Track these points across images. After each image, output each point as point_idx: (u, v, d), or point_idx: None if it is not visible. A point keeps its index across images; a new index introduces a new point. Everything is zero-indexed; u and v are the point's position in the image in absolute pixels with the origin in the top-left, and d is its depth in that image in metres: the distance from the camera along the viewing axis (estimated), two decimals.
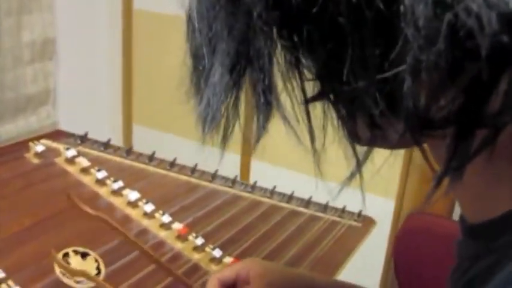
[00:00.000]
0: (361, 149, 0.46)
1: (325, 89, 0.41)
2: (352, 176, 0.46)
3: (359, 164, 0.45)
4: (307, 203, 1.34)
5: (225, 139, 0.46)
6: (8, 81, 2.01)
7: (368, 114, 0.39)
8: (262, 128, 0.44)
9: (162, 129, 2.38)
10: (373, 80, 0.36)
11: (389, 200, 1.95)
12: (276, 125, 0.45)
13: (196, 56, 0.43)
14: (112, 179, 1.12)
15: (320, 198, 1.35)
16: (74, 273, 0.90)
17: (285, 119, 0.43)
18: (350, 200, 1.38)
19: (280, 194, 1.34)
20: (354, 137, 0.43)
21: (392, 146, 0.46)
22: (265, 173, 2.02)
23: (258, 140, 0.45)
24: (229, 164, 1.72)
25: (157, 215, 1.07)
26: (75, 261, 0.94)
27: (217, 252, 1.04)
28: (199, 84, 0.43)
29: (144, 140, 2.43)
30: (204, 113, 0.43)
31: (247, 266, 0.79)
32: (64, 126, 2.09)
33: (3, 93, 1.99)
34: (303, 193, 1.36)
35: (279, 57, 0.41)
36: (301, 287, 0.79)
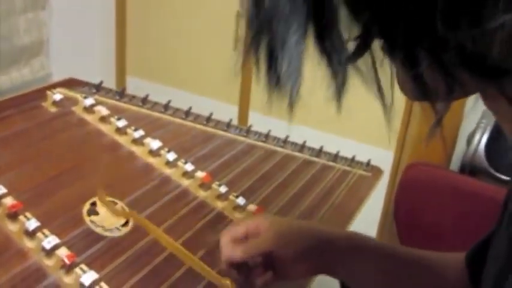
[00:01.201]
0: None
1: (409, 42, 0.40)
2: (431, 134, 0.47)
3: (440, 119, 0.46)
4: (319, 152, 1.35)
5: (292, 102, 0.45)
6: (2, 32, 1.96)
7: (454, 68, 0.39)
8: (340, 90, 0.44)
9: (155, 80, 2.36)
10: (466, 35, 0.37)
11: (388, 150, 1.97)
12: None
13: (269, 18, 0.41)
14: (132, 127, 1.11)
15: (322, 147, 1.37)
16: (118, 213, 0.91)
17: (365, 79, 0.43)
18: (346, 149, 1.41)
19: (292, 143, 1.34)
20: (428, 93, 0.43)
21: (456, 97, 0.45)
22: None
23: (339, 100, 0.44)
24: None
25: (179, 163, 1.07)
26: (102, 211, 0.94)
27: (241, 200, 1.04)
28: (274, 47, 0.41)
29: (137, 92, 2.41)
30: (286, 75, 0.42)
31: (257, 221, 0.81)
32: (57, 78, 2.05)
33: None
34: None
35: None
36: (308, 237, 0.80)
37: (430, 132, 0.47)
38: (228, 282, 0.74)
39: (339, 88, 0.44)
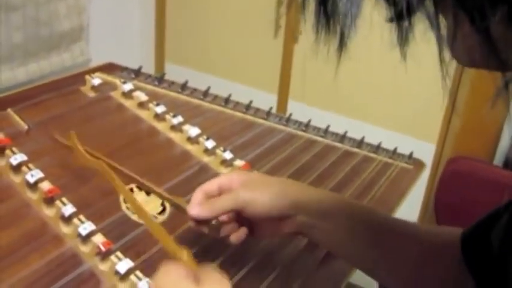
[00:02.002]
0: None
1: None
2: (497, 96, 0.43)
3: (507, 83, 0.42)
4: (360, 143, 1.31)
5: (342, 44, 0.43)
6: (42, 17, 1.96)
7: None
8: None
9: (194, 67, 2.34)
10: None
11: (430, 143, 1.92)
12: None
13: None
14: (171, 114, 1.09)
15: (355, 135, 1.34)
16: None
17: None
18: (387, 141, 1.37)
19: (333, 133, 1.31)
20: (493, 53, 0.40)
21: None
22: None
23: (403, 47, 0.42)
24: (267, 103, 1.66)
25: (218, 151, 1.05)
26: (139, 198, 0.92)
27: None
28: None
29: (176, 78, 2.40)
30: (344, 8, 0.39)
31: (229, 177, 0.78)
32: (96, 64, 2.05)
33: (38, 29, 1.95)
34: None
35: None
36: (278, 192, 0.76)
37: (496, 96, 0.44)
38: (184, 252, 0.67)
39: (404, 33, 0.42)
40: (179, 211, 0.81)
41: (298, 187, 0.79)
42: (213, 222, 0.77)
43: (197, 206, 0.75)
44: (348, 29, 0.40)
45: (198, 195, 0.76)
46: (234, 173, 0.81)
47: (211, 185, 0.77)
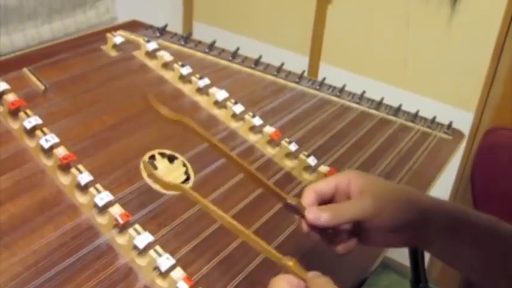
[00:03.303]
0: None
1: None
2: None
3: None
4: (397, 111, 1.24)
5: None
6: None
7: None
8: None
9: (222, 26, 2.26)
10: None
11: (468, 112, 1.83)
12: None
13: None
14: (197, 75, 1.02)
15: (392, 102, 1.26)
16: (165, 186, 0.80)
17: None
18: (423, 108, 1.29)
19: (369, 100, 1.23)
20: None
21: None
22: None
23: None
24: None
25: (247, 116, 0.98)
26: (162, 165, 0.87)
27: (311, 160, 0.95)
28: None
29: (204, 38, 2.32)
30: None
31: (346, 178, 0.68)
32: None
33: None
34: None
35: None
36: (408, 209, 0.68)
37: None
38: (290, 263, 0.61)
39: None
40: (288, 209, 0.68)
41: (423, 198, 0.71)
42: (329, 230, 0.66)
43: (317, 211, 0.64)
44: None
45: (310, 195, 0.66)
46: (350, 173, 0.69)
47: (325, 186, 0.67)
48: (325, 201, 0.67)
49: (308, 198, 0.66)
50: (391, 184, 0.73)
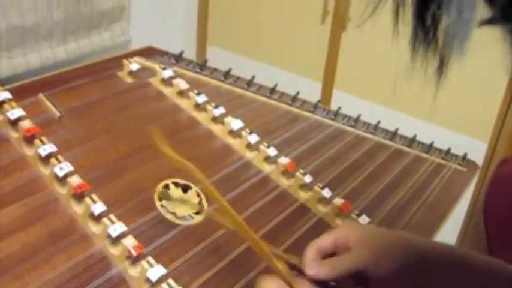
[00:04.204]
0: None
1: None
2: None
3: None
4: (411, 141, 1.23)
5: (443, 66, 0.36)
6: None
7: None
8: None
9: (237, 51, 2.27)
10: None
11: (481, 141, 1.81)
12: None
13: None
14: (213, 104, 1.01)
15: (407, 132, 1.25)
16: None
17: None
18: (432, 137, 1.28)
19: (383, 130, 1.23)
20: None
21: None
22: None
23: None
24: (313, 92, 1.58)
25: (262, 147, 0.97)
26: (176, 194, 0.86)
27: (326, 192, 0.94)
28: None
29: (217, 62, 2.33)
30: (453, 28, 0.32)
31: (344, 231, 0.70)
32: (136, 45, 1.99)
33: (78, 7, 1.90)
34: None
35: None
36: (402, 248, 0.68)
37: None
38: (281, 266, 0.65)
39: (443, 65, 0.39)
40: (292, 269, 0.70)
41: (421, 242, 0.72)
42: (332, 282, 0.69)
43: (316, 265, 0.67)
44: (451, 52, 0.34)
45: (311, 252, 0.68)
46: (348, 226, 0.72)
47: (325, 241, 0.69)
48: (327, 256, 0.69)
49: (309, 255, 0.68)
50: (388, 231, 0.74)
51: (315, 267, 0.66)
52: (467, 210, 1.91)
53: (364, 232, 0.70)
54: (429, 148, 1.24)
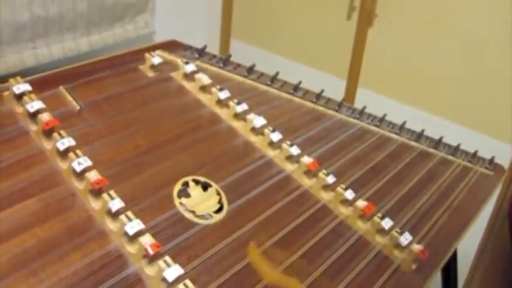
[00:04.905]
0: None
1: None
2: None
3: None
4: (437, 143, 1.20)
5: None
6: None
7: None
8: None
9: (261, 46, 2.24)
10: None
11: (509, 144, 1.77)
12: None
13: None
14: (235, 100, 0.99)
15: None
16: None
17: None
18: (465, 141, 1.25)
19: (409, 131, 1.20)
20: None
21: None
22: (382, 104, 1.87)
23: None
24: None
25: (284, 145, 0.95)
26: (195, 193, 0.84)
27: (349, 194, 0.92)
28: None
29: (240, 56, 2.31)
30: None
31: None
32: (159, 38, 1.98)
33: None
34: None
35: None
36: None
37: None
38: None
39: None
40: None
41: None
42: None
43: None
44: None
45: None
46: None
47: None
48: None
49: None
50: None
51: None
52: (492, 214, 1.87)
53: None
54: (455, 150, 1.21)
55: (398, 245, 0.89)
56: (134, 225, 0.71)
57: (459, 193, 1.09)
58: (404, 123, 1.19)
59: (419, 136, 1.19)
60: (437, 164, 1.15)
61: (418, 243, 0.90)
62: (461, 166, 1.18)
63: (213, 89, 1.00)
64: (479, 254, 1.60)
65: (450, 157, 1.19)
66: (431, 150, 1.18)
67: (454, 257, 1.16)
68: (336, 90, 1.25)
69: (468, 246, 1.27)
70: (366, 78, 1.95)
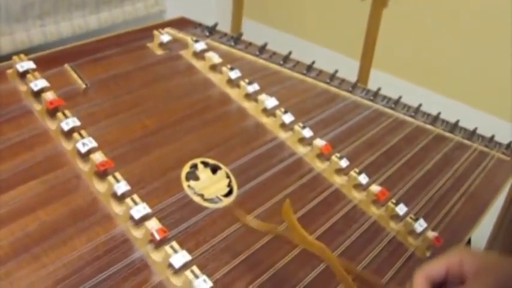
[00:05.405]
0: None
1: None
2: None
3: None
4: (453, 127, 1.16)
5: None
6: None
7: None
8: None
9: (273, 25, 2.21)
10: None
11: None
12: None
13: None
14: (246, 80, 0.96)
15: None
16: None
17: None
18: (482, 125, 1.21)
19: (424, 114, 1.16)
20: None
21: None
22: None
23: None
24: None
25: (296, 127, 0.92)
26: (204, 175, 0.81)
27: (363, 178, 0.89)
28: None
29: (253, 36, 2.27)
30: None
31: (458, 259, 0.62)
32: (170, 16, 1.94)
33: None
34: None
35: None
36: None
37: None
38: None
39: None
40: None
41: None
42: None
43: None
44: None
45: (422, 282, 0.62)
46: (461, 253, 0.64)
47: (436, 269, 0.63)
48: (437, 285, 0.63)
49: (421, 286, 0.61)
50: (509, 264, 0.65)
51: None
52: (505, 202, 1.83)
53: (482, 263, 0.62)
54: (472, 134, 1.18)
55: (412, 232, 0.86)
56: (140, 209, 0.69)
57: (475, 179, 1.06)
58: (419, 105, 1.16)
59: (435, 119, 1.16)
60: (453, 149, 1.12)
61: (433, 230, 0.88)
62: (478, 151, 1.14)
63: (224, 68, 0.97)
64: (490, 243, 1.57)
65: (466, 141, 1.15)
66: (447, 134, 1.14)
67: (468, 245, 1.13)
68: (349, 71, 1.22)
69: (481, 234, 1.24)
70: (380, 59, 1.92)
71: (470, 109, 1.75)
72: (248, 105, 0.95)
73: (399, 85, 1.86)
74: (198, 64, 1.00)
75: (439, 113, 1.17)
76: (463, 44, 1.70)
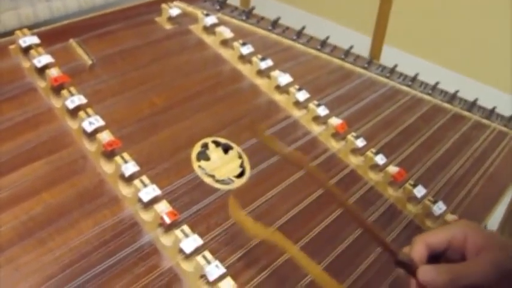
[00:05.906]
0: None
1: None
2: None
3: None
4: (472, 105, 1.12)
5: None
6: None
7: None
8: None
9: (284, 0, 2.16)
10: None
11: None
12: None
13: None
14: (259, 56, 0.92)
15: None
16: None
17: None
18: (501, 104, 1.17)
19: (442, 92, 1.12)
20: None
21: None
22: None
23: None
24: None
25: (311, 105, 0.89)
26: (215, 155, 0.78)
27: (380, 159, 0.85)
28: None
29: (265, 10, 2.23)
30: None
31: (462, 233, 0.60)
32: None
33: None
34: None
35: None
36: None
37: None
38: None
39: None
40: (398, 266, 0.60)
41: None
42: None
43: (433, 273, 0.57)
44: None
45: (421, 249, 0.59)
46: (466, 228, 0.61)
47: (439, 240, 0.60)
48: (436, 255, 0.60)
49: (420, 253, 0.59)
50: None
51: (431, 274, 0.57)
52: None
53: (487, 240, 0.59)
54: (490, 114, 1.14)
55: (430, 214, 0.83)
56: (149, 191, 0.66)
57: (494, 160, 1.03)
58: (437, 83, 1.12)
59: (452, 98, 1.12)
60: (471, 128, 1.08)
61: (452, 213, 0.84)
62: (497, 130, 1.11)
63: (235, 44, 0.94)
64: (502, 226, 1.54)
65: (485, 121, 1.12)
66: (465, 113, 1.11)
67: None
68: (360, 47, 1.17)
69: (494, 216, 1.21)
70: (393, 35, 1.87)
71: (489, 88, 1.71)
72: (261, 82, 0.92)
73: (412, 62, 1.81)
74: (208, 39, 0.96)
75: (456, 91, 1.13)
76: (480, 21, 1.66)
